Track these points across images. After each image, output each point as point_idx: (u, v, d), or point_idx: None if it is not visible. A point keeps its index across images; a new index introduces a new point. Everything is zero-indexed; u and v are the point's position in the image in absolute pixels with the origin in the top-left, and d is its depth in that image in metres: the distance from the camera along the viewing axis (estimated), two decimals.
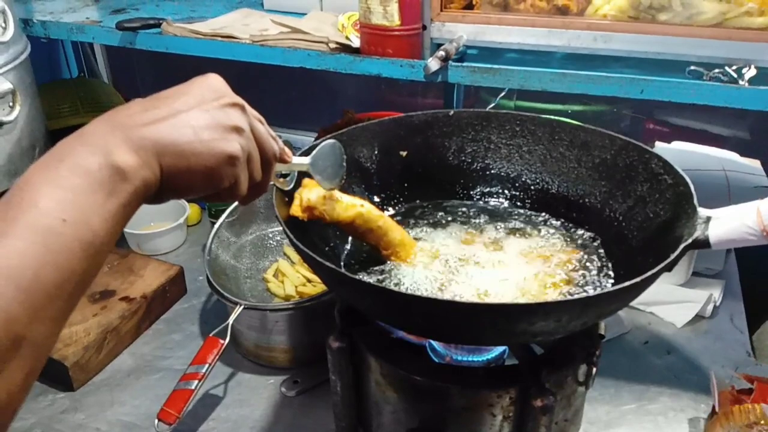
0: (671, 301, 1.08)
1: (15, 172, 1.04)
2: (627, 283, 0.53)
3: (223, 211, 1.11)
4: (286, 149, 0.59)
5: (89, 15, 1.30)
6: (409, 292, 0.68)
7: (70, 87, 1.51)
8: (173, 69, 1.82)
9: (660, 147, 1.37)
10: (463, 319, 0.54)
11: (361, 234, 0.73)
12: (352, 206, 0.71)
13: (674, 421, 0.89)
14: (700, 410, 0.90)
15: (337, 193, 0.70)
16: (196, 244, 1.31)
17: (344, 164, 0.69)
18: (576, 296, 0.51)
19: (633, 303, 0.82)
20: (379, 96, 1.70)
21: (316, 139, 1.41)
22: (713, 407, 0.86)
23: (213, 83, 0.49)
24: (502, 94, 1.47)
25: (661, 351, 1.01)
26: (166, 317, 1.10)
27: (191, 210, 1.32)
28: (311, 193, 0.68)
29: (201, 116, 0.46)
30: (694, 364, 0.99)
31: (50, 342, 0.38)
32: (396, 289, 0.67)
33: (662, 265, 0.55)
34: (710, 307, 1.08)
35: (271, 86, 1.76)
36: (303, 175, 0.68)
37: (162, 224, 1.29)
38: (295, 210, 0.69)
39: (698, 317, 1.07)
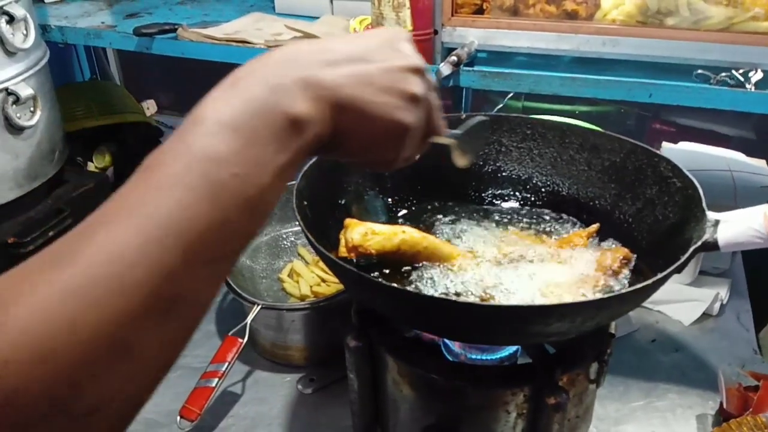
0: (678, 300, 1.10)
1: (35, 176, 1.07)
2: (639, 285, 0.55)
3: None
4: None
5: (104, 19, 1.33)
6: (424, 293, 0.70)
7: (84, 90, 1.53)
8: (185, 70, 1.84)
9: (666, 147, 1.39)
10: (481, 321, 0.56)
11: (409, 258, 0.74)
12: (394, 234, 0.72)
13: (682, 417, 0.91)
14: (708, 407, 0.92)
15: (376, 227, 0.71)
16: None
17: (485, 141, 0.65)
18: (590, 298, 0.53)
19: None
20: None
21: None
22: (721, 404, 0.88)
23: (398, 38, 0.44)
24: (511, 95, 1.49)
25: (669, 349, 1.03)
26: None
27: None
28: (353, 233, 0.70)
29: (383, 76, 0.41)
30: (702, 362, 1.01)
31: (207, 304, 0.35)
32: (414, 290, 0.69)
33: (673, 267, 0.57)
34: (717, 306, 1.10)
35: None
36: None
37: None
38: (342, 252, 0.70)
39: (705, 315, 1.09)
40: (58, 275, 0.29)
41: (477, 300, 0.67)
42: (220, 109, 0.35)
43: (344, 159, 0.44)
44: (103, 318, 0.29)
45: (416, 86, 0.43)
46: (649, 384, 0.96)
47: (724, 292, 1.12)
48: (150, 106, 1.93)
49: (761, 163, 1.34)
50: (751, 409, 0.84)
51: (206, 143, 0.34)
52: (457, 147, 0.59)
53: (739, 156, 1.36)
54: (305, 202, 0.74)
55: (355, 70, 0.40)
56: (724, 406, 0.86)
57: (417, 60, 0.43)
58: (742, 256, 1.22)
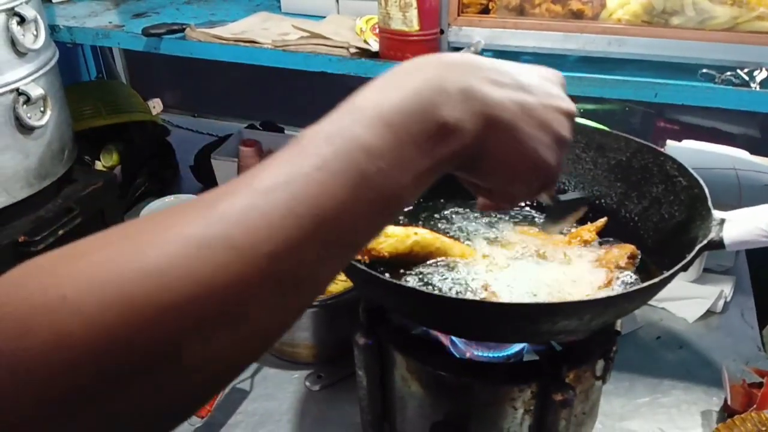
0: (683, 297, 1.11)
1: (45, 175, 1.08)
2: (646, 284, 0.55)
3: None
4: None
5: (111, 19, 1.33)
6: (435, 292, 0.71)
7: (91, 89, 1.54)
8: (191, 70, 1.85)
9: (671, 145, 1.39)
10: (490, 319, 0.57)
11: (422, 258, 0.75)
12: (407, 236, 0.73)
13: (687, 413, 0.92)
14: (712, 403, 0.93)
15: (388, 229, 0.72)
16: None
17: (574, 219, 0.68)
18: (597, 296, 0.54)
19: None
20: None
21: None
22: (725, 400, 0.89)
23: (558, 80, 0.44)
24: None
25: (674, 346, 1.04)
26: None
27: None
28: None
29: (542, 111, 0.40)
30: (706, 359, 1.01)
31: (320, 289, 0.34)
32: (423, 289, 0.70)
33: (680, 265, 0.57)
34: (721, 303, 1.11)
35: (286, 87, 1.79)
36: None
37: None
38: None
39: (709, 313, 1.10)
40: (189, 230, 0.29)
41: (485, 298, 0.68)
42: (379, 101, 0.35)
43: (477, 180, 0.43)
44: (224, 280, 0.29)
45: (567, 131, 0.43)
46: (654, 380, 0.97)
47: (728, 290, 1.13)
48: (156, 105, 1.93)
49: (766, 161, 1.34)
50: (755, 406, 0.85)
51: (359, 132, 0.33)
52: (551, 210, 0.58)
53: (743, 154, 1.36)
54: None
55: (518, 97, 0.39)
56: (729, 402, 0.87)
57: (572, 106, 0.44)
58: (746, 254, 1.23)
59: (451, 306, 0.58)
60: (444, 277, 0.73)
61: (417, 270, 0.75)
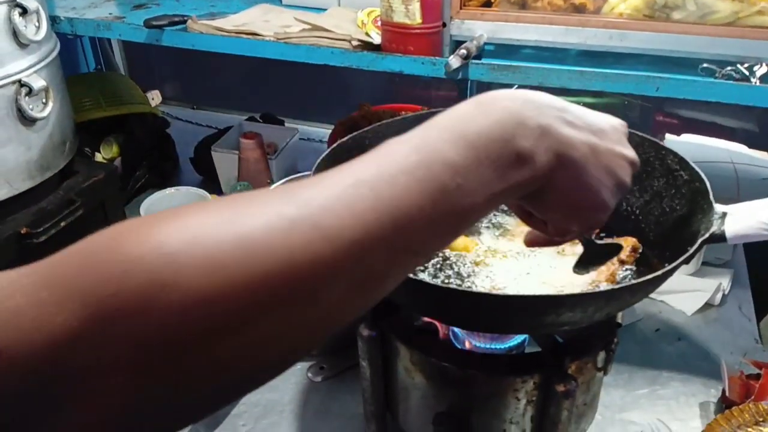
0: (682, 290, 1.12)
1: (47, 167, 1.08)
2: (649, 276, 0.56)
3: None
4: None
5: (111, 10, 1.33)
6: (441, 284, 0.72)
7: (91, 81, 1.54)
8: (189, 61, 1.85)
9: (670, 139, 1.40)
10: (496, 311, 0.58)
11: None
12: None
13: (685, 405, 0.93)
14: (710, 395, 0.94)
15: None
16: None
17: (602, 263, 0.66)
18: (601, 289, 0.55)
19: None
20: (393, 88, 1.73)
21: (334, 131, 1.44)
22: (723, 392, 0.90)
23: (624, 130, 0.47)
24: (515, 87, 1.50)
25: (672, 338, 1.05)
26: None
27: None
28: None
29: (609, 155, 0.43)
30: (704, 351, 1.02)
31: (386, 289, 0.36)
32: (433, 282, 0.71)
33: (682, 258, 0.58)
34: (719, 296, 1.12)
35: (286, 79, 1.78)
36: None
37: None
38: None
39: (708, 305, 1.11)
40: (282, 208, 0.31)
41: (490, 290, 0.69)
42: (465, 124, 0.37)
43: (538, 211, 0.46)
44: (307, 259, 0.30)
45: (628, 177, 0.46)
46: (653, 372, 0.98)
47: (726, 283, 1.14)
48: (155, 97, 1.93)
49: (764, 155, 1.35)
50: (753, 397, 0.86)
51: (444, 148, 0.36)
52: (586, 254, 0.59)
53: (741, 148, 1.37)
54: None
55: (589, 139, 0.42)
56: (727, 393, 0.88)
57: (635, 155, 0.47)
58: (744, 248, 1.24)
59: (459, 298, 0.58)
60: (451, 269, 0.74)
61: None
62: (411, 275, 0.61)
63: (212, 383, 0.30)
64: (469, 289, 0.67)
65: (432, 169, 0.35)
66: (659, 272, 0.56)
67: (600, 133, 0.43)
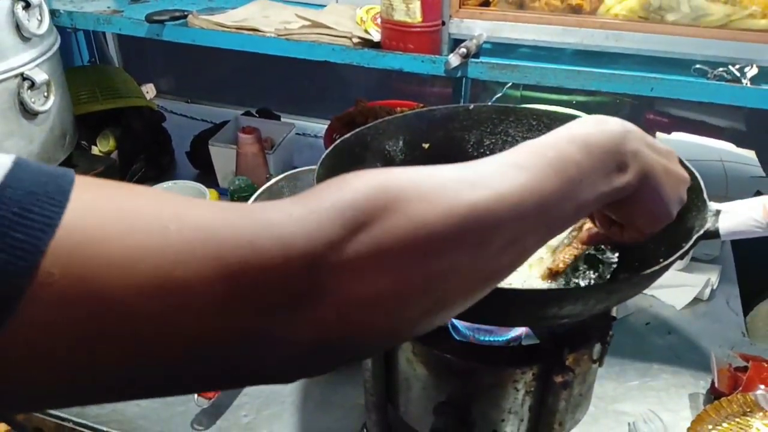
0: (671, 285, 1.15)
1: (48, 160, 1.08)
2: (648, 271, 0.58)
3: (246, 198, 1.16)
4: None
5: (109, 4, 1.33)
6: None
7: (87, 74, 1.54)
8: (184, 55, 1.85)
9: (660, 138, 1.43)
10: (500, 304, 0.60)
11: None
12: None
13: (675, 396, 0.96)
14: (700, 386, 0.97)
15: None
16: None
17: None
18: (602, 282, 0.57)
19: None
20: (388, 84, 1.74)
21: (330, 127, 1.45)
22: (712, 383, 0.93)
23: (676, 156, 0.57)
24: (509, 84, 1.52)
25: (663, 331, 1.08)
26: None
27: (210, 195, 1.37)
28: None
29: (676, 175, 0.54)
30: (693, 344, 1.05)
31: (508, 273, 0.42)
32: None
33: (679, 253, 0.60)
34: (708, 291, 1.15)
35: (281, 74, 1.79)
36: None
37: None
38: None
39: (696, 300, 1.14)
40: (467, 172, 0.39)
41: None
42: (587, 135, 0.46)
43: (620, 216, 0.56)
44: (498, 203, 0.38)
45: (685, 194, 0.57)
46: (644, 365, 1.01)
47: (714, 278, 1.17)
48: (149, 90, 1.93)
49: (751, 153, 1.38)
50: (740, 388, 0.89)
51: (572, 150, 0.44)
52: None
53: (730, 147, 1.40)
54: None
55: (664, 162, 0.52)
56: (716, 385, 0.91)
57: (687, 176, 0.57)
58: (731, 244, 1.28)
59: None
60: None
61: None
62: None
63: (439, 286, 0.36)
64: None
65: (565, 165, 0.43)
66: (657, 267, 0.59)
67: (669, 157, 0.53)
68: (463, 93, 1.56)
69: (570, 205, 0.43)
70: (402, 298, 0.35)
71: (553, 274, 0.74)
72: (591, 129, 0.47)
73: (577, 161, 0.44)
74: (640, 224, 0.56)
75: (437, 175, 0.38)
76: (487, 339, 0.81)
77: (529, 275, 0.77)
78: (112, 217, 0.29)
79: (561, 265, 0.73)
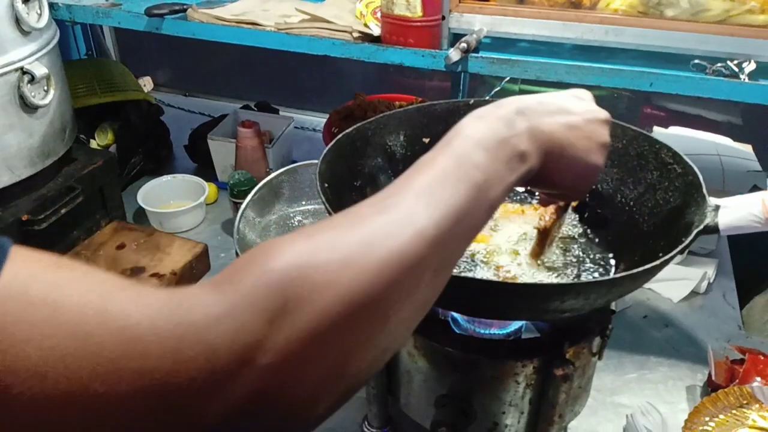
0: (668, 278, 1.16)
1: (48, 154, 1.08)
2: (649, 265, 0.59)
3: (245, 192, 1.16)
4: None
5: None
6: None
7: (85, 67, 1.53)
8: (182, 48, 1.84)
9: (658, 132, 1.43)
10: (504, 298, 0.60)
11: None
12: None
13: (673, 388, 0.97)
14: (697, 379, 0.98)
15: None
16: (215, 222, 1.36)
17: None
18: (604, 277, 0.58)
19: None
20: (387, 78, 1.75)
21: (329, 120, 1.45)
22: (709, 376, 0.94)
23: (589, 96, 0.56)
24: (507, 78, 1.52)
25: (660, 324, 1.09)
26: None
27: (209, 189, 1.37)
28: None
29: (585, 125, 0.52)
30: (690, 337, 1.07)
31: (445, 281, 0.42)
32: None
33: (679, 248, 0.61)
34: (704, 284, 1.16)
35: (278, 67, 1.79)
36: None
37: (181, 203, 1.34)
38: None
39: (693, 293, 1.15)
40: (375, 221, 0.38)
41: (493, 278, 0.72)
42: (475, 132, 0.46)
43: (547, 189, 0.56)
44: (404, 254, 0.37)
45: (606, 136, 0.54)
46: (642, 357, 1.02)
47: (711, 271, 1.18)
48: (146, 83, 1.93)
49: (747, 148, 1.39)
50: (737, 381, 0.90)
51: (468, 151, 0.44)
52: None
53: (726, 141, 1.41)
54: (326, 185, 0.77)
55: (564, 120, 0.51)
56: (713, 377, 0.92)
57: (606, 113, 0.55)
58: (728, 238, 1.29)
59: (470, 287, 0.61)
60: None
61: None
62: None
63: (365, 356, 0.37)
64: (484, 278, 0.70)
65: (466, 170, 0.43)
66: (657, 261, 0.59)
67: (571, 109, 0.52)
68: (461, 87, 1.56)
69: (482, 208, 0.43)
70: (325, 383, 0.35)
71: (541, 241, 0.74)
72: (482, 125, 0.46)
73: (477, 163, 0.43)
74: (568, 187, 0.55)
75: (341, 245, 0.36)
76: (487, 332, 0.82)
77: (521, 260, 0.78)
78: (34, 313, 0.28)
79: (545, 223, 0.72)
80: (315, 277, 0.34)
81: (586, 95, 0.56)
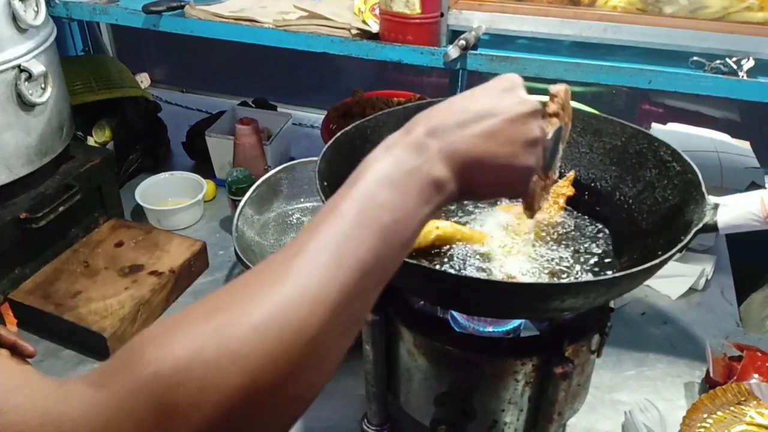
0: (666, 275, 1.16)
1: (46, 152, 1.08)
2: (648, 264, 0.59)
3: (244, 189, 1.16)
4: None
5: None
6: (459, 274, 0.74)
7: (82, 64, 1.52)
8: (179, 44, 1.84)
9: (656, 128, 1.43)
10: (505, 298, 0.60)
11: (440, 246, 0.79)
12: (428, 232, 0.76)
13: (671, 385, 0.97)
14: (695, 376, 0.98)
15: None
16: (213, 219, 1.36)
17: (558, 152, 0.69)
18: (603, 277, 0.58)
19: None
20: (385, 74, 1.74)
21: (327, 117, 1.45)
22: (707, 373, 0.94)
23: (514, 85, 0.50)
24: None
25: (658, 321, 1.09)
26: (192, 290, 1.16)
27: (207, 186, 1.37)
28: None
29: (507, 127, 0.47)
30: (689, 334, 1.07)
31: (361, 325, 0.41)
32: (440, 269, 0.73)
33: (679, 246, 0.61)
34: (702, 281, 1.16)
35: (276, 63, 1.79)
36: None
37: (179, 200, 1.34)
38: None
39: (691, 290, 1.16)
40: (275, 293, 0.36)
41: (500, 278, 0.72)
42: (380, 167, 0.43)
43: (479, 199, 0.53)
44: (311, 329, 0.36)
45: (535, 130, 0.49)
46: (640, 354, 1.02)
47: (709, 268, 1.18)
48: (144, 80, 1.92)
49: (746, 144, 1.39)
50: (735, 377, 0.90)
51: (373, 192, 0.41)
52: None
53: (725, 137, 1.41)
54: (325, 183, 0.77)
55: (481, 128, 0.46)
56: (711, 374, 0.93)
57: (533, 104, 0.49)
58: (725, 235, 1.29)
59: (472, 286, 0.61)
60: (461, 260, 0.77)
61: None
62: (427, 265, 0.64)
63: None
64: (486, 278, 0.70)
65: (372, 214, 0.40)
66: (657, 260, 0.60)
67: (490, 111, 0.47)
68: (460, 83, 1.56)
69: (394, 250, 0.41)
70: None
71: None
72: (389, 158, 0.43)
73: (383, 203, 0.41)
74: (500, 194, 0.52)
75: (233, 336, 0.34)
76: (486, 330, 0.82)
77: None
78: None
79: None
80: (204, 379, 0.32)
81: (513, 83, 0.50)
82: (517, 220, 0.85)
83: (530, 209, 0.67)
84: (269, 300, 0.35)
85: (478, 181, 0.47)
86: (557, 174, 0.71)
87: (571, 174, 0.89)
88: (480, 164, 0.46)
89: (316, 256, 0.38)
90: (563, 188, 0.88)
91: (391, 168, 0.43)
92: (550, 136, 0.64)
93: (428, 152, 0.44)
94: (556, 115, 0.67)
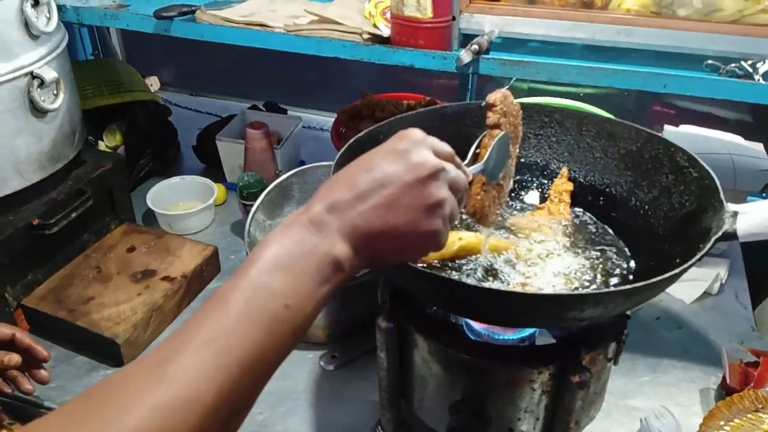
0: (681, 279, 1.14)
1: (58, 158, 1.08)
2: (668, 274, 0.59)
3: (255, 194, 1.15)
4: (467, 170, 0.56)
5: None
6: (463, 280, 0.74)
7: (92, 68, 1.53)
8: (188, 47, 1.83)
9: (668, 130, 1.42)
10: (524, 308, 0.60)
11: (463, 256, 0.79)
12: (452, 243, 0.76)
13: (686, 391, 0.96)
14: (710, 382, 0.97)
15: None
16: (223, 224, 1.35)
17: (509, 157, 0.68)
18: (622, 287, 0.57)
19: None
20: (394, 76, 1.73)
21: (337, 120, 1.45)
22: (723, 379, 0.94)
23: (414, 141, 0.49)
24: (513, 79, 1.51)
25: (672, 326, 1.09)
26: (204, 295, 1.16)
27: (218, 190, 1.37)
28: None
29: (406, 194, 0.46)
30: (703, 338, 1.06)
31: (252, 407, 0.41)
32: (455, 278, 0.73)
33: (698, 256, 0.61)
34: (717, 285, 1.15)
35: (285, 66, 1.78)
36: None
37: (190, 205, 1.34)
38: None
39: (706, 294, 1.15)
40: (150, 396, 0.35)
41: (516, 286, 0.71)
42: (274, 251, 0.42)
43: (385, 267, 0.53)
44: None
45: (437, 191, 0.47)
46: (655, 360, 1.02)
47: (723, 272, 1.17)
48: (153, 83, 1.92)
49: (759, 146, 1.38)
50: (752, 384, 0.90)
51: (263, 280, 0.41)
52: (487, 174, 0.65)
53: (737, 139, 1.40)
54: None
55: (381, 200, 0.45)
56: (728, 381, 0.92)
57: (431, 165, 0.47)
58: None
59: (491, 296, 0.60)
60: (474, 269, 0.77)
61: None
62: (444, 276, 0.63)
63: None
64: (506, 289, 0.70)
65: (259, 304, 0.40)
66: (678, 269, 0.59)
67: (388, 179, 0.46)
68: (470, 86, 1.55)
69: (285, 338, 0.41)
70: None
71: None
72: (285, 239, 0.43)
73: (274, 290, 0.41)
74: (408, 260, 0.51)
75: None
76: (501, 337, 0.82)
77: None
78: None
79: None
80: None
81: (412, 141, 0.49)
82: (533, 229, 0.85)
83: (482, 222, 0.67)
84: (143, 405, 0.35)
85: (380, 252, 0.47)
86: (511, 182, 0.71)
87: (564, 170, 0.91)
88: (381, 237, 0.46)
89: (193, 359, 0.37)
90: (562, 185, 0.89)
91: (286, 251, 0.42)
92: (492, 146, 0.65)
93: (327, 229, 0.44)
94: (497, 125, 0.67)
